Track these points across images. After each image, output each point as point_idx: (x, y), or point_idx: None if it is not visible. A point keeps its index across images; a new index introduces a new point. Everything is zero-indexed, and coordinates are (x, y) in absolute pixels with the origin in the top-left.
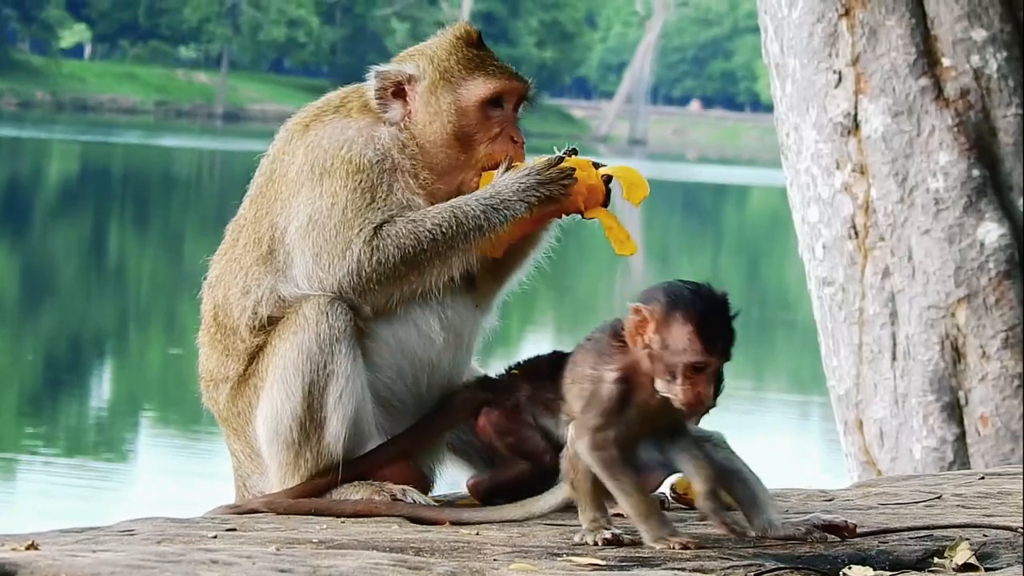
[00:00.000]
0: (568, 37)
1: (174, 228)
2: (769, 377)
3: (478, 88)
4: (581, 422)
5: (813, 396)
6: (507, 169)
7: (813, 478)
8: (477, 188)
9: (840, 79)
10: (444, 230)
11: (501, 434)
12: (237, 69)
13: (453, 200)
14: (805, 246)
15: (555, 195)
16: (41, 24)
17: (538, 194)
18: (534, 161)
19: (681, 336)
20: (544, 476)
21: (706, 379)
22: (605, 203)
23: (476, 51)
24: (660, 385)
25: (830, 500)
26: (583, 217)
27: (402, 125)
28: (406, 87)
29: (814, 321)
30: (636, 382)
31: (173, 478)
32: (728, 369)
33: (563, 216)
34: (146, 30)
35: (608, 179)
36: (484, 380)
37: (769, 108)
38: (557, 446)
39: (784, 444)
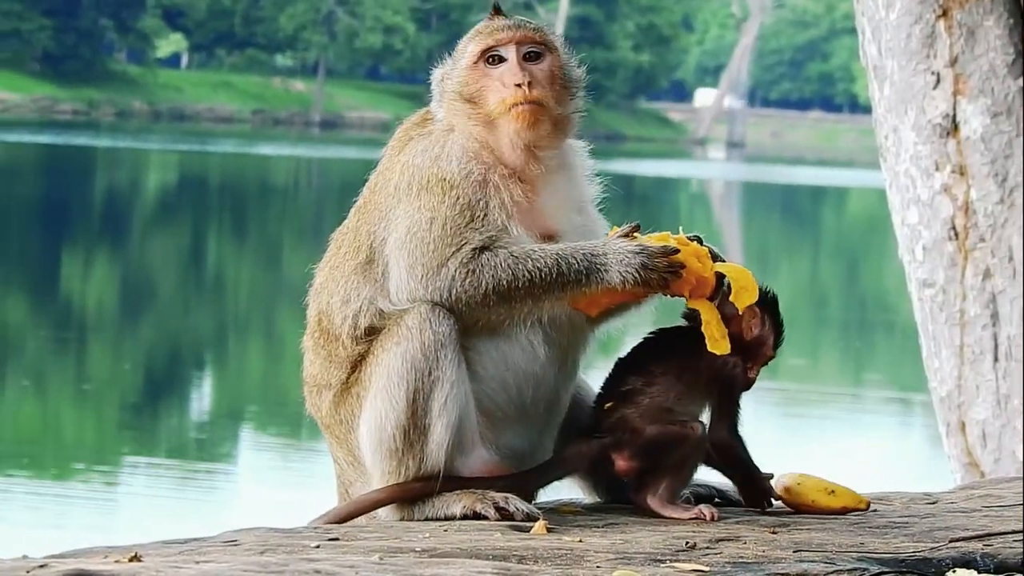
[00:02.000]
0: (665, 40)
1: (272, 237)
2: (869, 379)
3: (467, 50)
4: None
5: (914, 398)
6: (626, 235)
7: (915, 481)
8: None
9: (938, 80)
10: (544, 275)
11: (647, 460)
12: (333, 76)
13: (561, 247)
14: (905, 248)
15: (653, 284)
16: (138, 34)
17: (638, 275)
18: (653, 239)
19: (770, 336)
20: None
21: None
22: (712, 297)
23: (486, 22)
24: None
25: (933, 503)
26: (686, 303)
27: (446, 123)
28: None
29: (915, 323)
30: None
31: (274, 486)
32: (829, 371)
33: (665, 296)
34: (242, 39)
35: (721, 276)
36: (591, 427)
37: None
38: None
39: (885, 446)
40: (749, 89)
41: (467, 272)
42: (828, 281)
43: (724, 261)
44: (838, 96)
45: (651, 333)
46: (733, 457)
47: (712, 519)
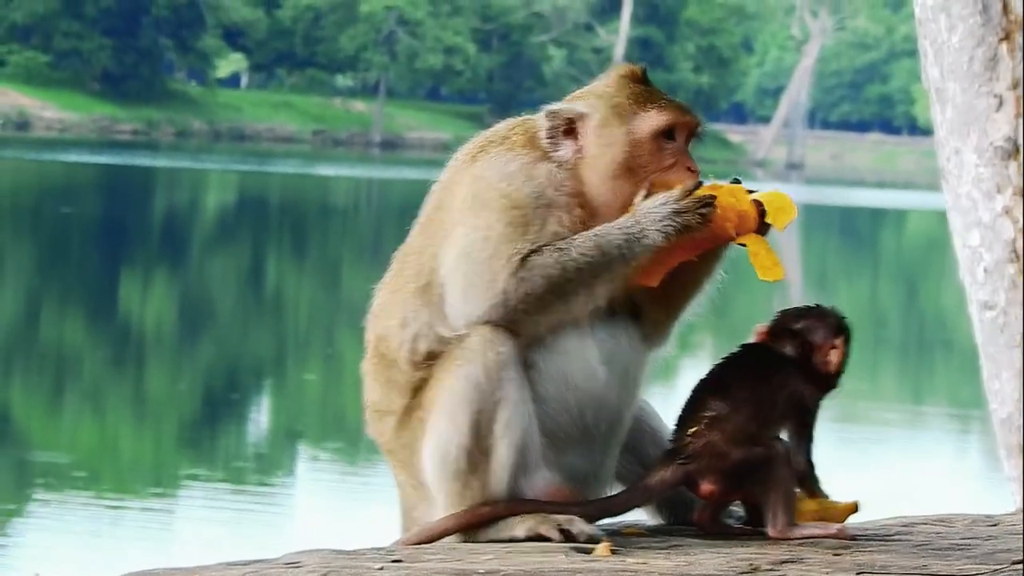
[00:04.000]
0: (725, 62)
1: (332, 258)
2: (928, 399)
3: (652, 119)
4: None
5: (973, 419)
6: (646, 197)
7: (975, 502)
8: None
9: (1001, 103)
10: (590, 259)
11: (733, 483)
12: (394, 97)
13: (595, 229)
14: (966, 270)
15: (692, 224)
16: (197, 54)
17: (675, 223)
18: (672, 189)
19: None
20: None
21: None
22: (760, 230)
23: (644, 86)
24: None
25: (994, 525)
26: (735, 243)
27: (571, 163)
28: (577, 125)
29: (975, 344)
30: None
31: (334, 507)
32: (888, 390)
33: (718, 244)
34: (303, 59)
35: (760, 205)
36: (673, 452)
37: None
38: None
39: (945, 467)
40: (809, 111)
41: (519, 281)
42: (887, 302)
43: (757, 192)
44: (897, 118)
45: (729, 354)
46: (806, 486)
47: (844, 535)
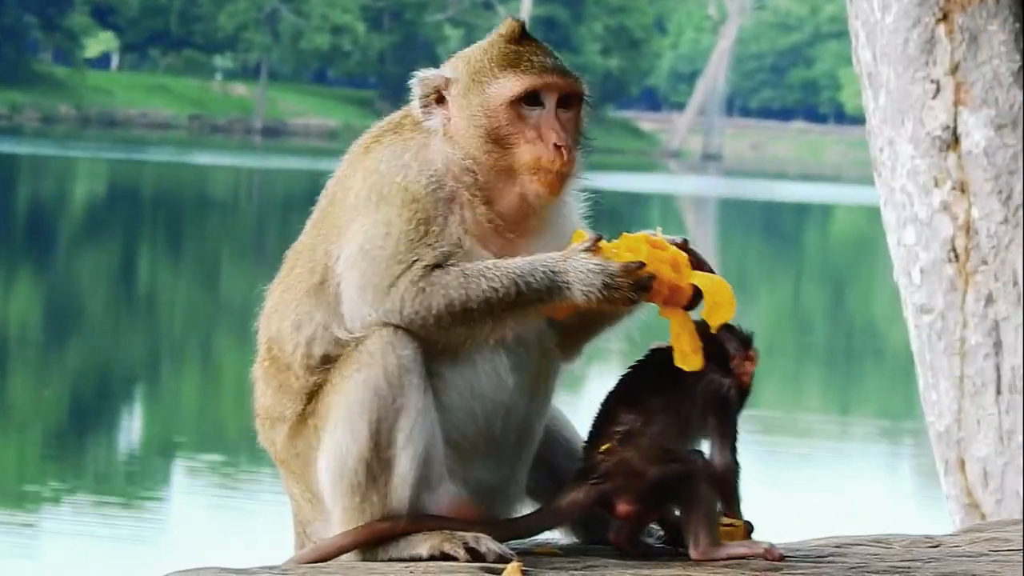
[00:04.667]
0: (636, 44)
1: (209, 253)
2: (858, 411)
3: (506, 86)
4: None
5: (905, 432)
6: (588, 249)
7: (910, 520)
8: (530, 203)
9: (938, 89)
10: (501, 294)
11: (651, 502)
12: (277, 80)
13: (518, 264)
14: (901, 270)
15: (617, 302)
16: (65, 32)
17: (601, 295)
18: (614, 251)
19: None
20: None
21: None
22: (688, 307)
23: (515, 46)
24: None
25: (936, 546)
26: (659, 311)
27: (444, 135)
28: (444, 92)
29: (910, 351)
30: None
31: (213, 522)
32: (814, 401)
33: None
34: (178, 38)
35: (697, 289)
36: (585, 470)
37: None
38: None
39: (877, 484)
40: (727, 97)
41: (417, 291)
42: (813, 305)
43: (710, 270)
44: (823, 105)
45: (638, 360)
46: (732, 484)
47: (773, 555)
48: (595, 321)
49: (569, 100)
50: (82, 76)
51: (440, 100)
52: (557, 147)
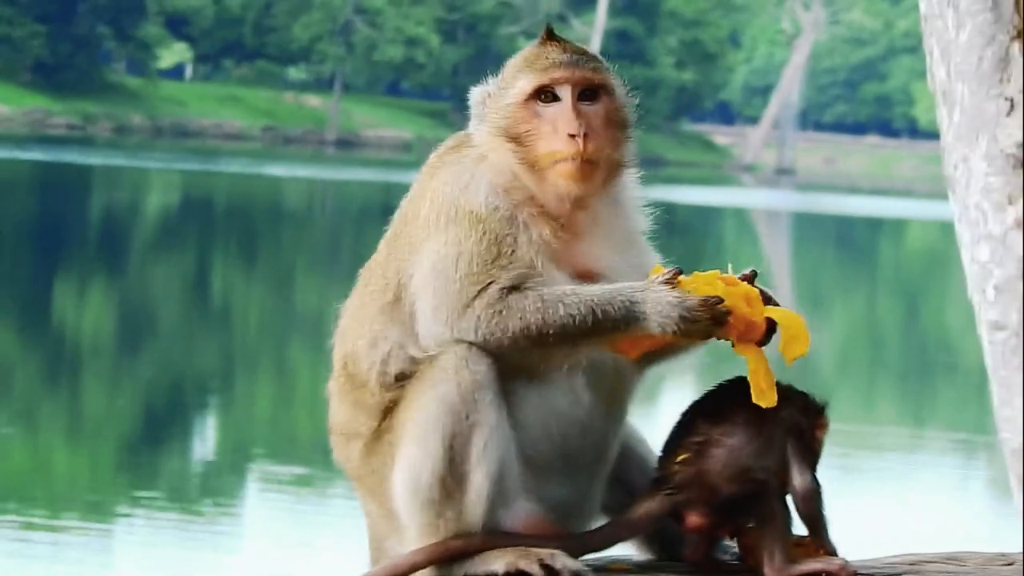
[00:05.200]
0: (710, 58)
1: (282, 264)
2: (932, 426)
3: (521, 83)
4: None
5: (979, 448)
6: (667, 281)
7: (986, 539)
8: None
9: (1012, 107)
10: (578, 322)
11: (723, 517)
12: (351, 92)
13: (596, 292)
14: (974, 287)
15: (694, 335)
16: (138, 43)
17: (678, 328)
18: (700, 281)
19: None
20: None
21: None
22: (761, 343)
23: (539, 48)
24: None
25: (1010, 564)
26: (732, 348)
27: (485, 144)
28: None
29: (984, 367)
30: None
31: (285, 535)
32: (888, 416)
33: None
34: (252, 49)
35: (772, 322)
36: (658, 480)
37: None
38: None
39: (951, 500)
40: (800, 111)
41: (493, 313)
42: (886, 320)
43: (777, 304)
44: (896, 120)
45: (724, 381)
46: (816, 508)
47: (847, 572)
48: (665, 352)
49: (593, 92)
50: (155, 87)
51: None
52: (571, 136)
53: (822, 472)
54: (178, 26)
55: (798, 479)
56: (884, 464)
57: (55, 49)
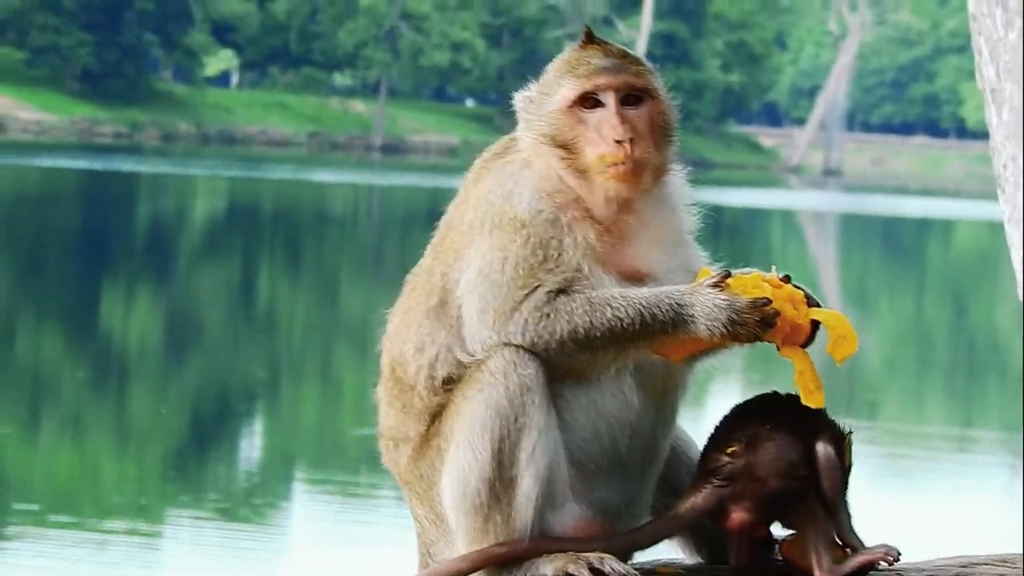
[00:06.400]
0: (756, 59)
1: (329, 270)
2: (981, 426)
3: (563, 90)
4: None
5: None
6: (716, 284)
7: None
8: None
9: None
10: (626, 324)
11: (765, 514)
12: (396, 97)
13: (645, 294)
14: None
15: (743, 338)
16: (185, 51)
17: (727, 330)
18: (741, 287)
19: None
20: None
21: None
22: (806, 345)
23: (578, 52)
24: None
25: None
26: (777, 351)
27: (530, 149)
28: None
29: None
30: None
31: (332, 542)
32: (936, 415)
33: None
34: (298, 56)
35: (816, 323)
36: (705, 472)
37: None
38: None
39: (999, 500)
40: (848, 112)
41: (541, 316)
42: (934, 320)
43: (819, 305)
44: (944, 120)
45: (768, 393)
46: (839, 523)
47: (892, 554)
48: (707, 353)
49: (637, 97)
50: (202, 94)
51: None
52: (617, 141)
53: (870, 472)
54: (224, 33)
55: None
56: (933, 465)
57: (102, 57)
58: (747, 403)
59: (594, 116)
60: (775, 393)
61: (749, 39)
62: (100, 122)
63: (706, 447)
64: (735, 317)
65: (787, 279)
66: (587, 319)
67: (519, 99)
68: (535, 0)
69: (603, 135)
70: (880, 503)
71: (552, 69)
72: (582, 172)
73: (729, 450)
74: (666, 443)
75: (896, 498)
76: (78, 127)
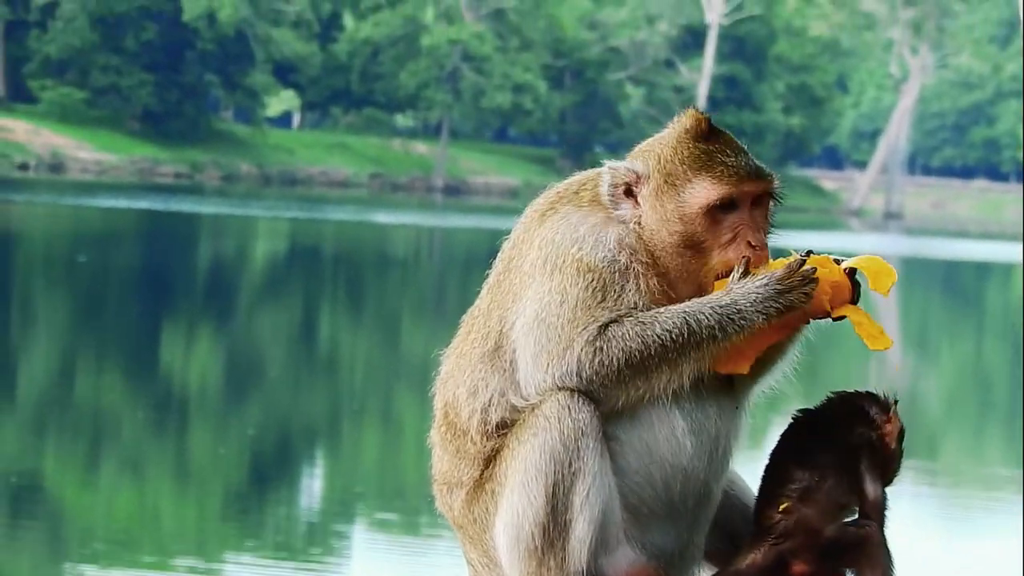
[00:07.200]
0: (817, 102)
1: (390, 312)
2: None
3: (702, 193)
4: None
5: None
6: (743, 275)
7: None
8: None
9: None
10: (675, 336)
11: (827, 564)
12: (458, 138)
13: (686, 304)
14: None
15: (796, 303)
16: (246, 91)
17: (778, 304)
18: (771, 266)
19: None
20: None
21: None
22: (854, 299)
23: (704, 145)
24: None
25: None
26: (831, 318)
27: (632, 226)
28: (634, 188)
29: None
30: None
31: None
32: (993, 457)
33: (809, 321)
34: (359, 97)
35: (852, 272)
36: (762, 530)
37: None
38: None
39: None
40: (909, 155)
41: (594, 351)
42: (994, 365)
43: (846, 260)
44: (1005, 164)
45: (795, 415)
46: (880, 516)
47: None
48: (770, 357)
49: (761, 197)
50: (263, 135)
51: (629, 192)
52: (752, 247)
53: (932, 513)
54: (286, 74)
55: (870, 488)
56: (993, 504)
57: (163, 98)
58: (784, 446)
59: (728, 218)
60: (803, 413)
61: (811, 82)
62: (160, 162)
63: (757, 503)
64: (779, 287)
65: (809, 253)
66: (639, 340)
67: (619, 172)
68: (597, 42)
69: (738, 238)
70: (944, 544)
71: (677, 159)
72: (695, 271)
73: (781, 507)
74: (719, 488)
75: (960, 540)
76: (138, 167)
